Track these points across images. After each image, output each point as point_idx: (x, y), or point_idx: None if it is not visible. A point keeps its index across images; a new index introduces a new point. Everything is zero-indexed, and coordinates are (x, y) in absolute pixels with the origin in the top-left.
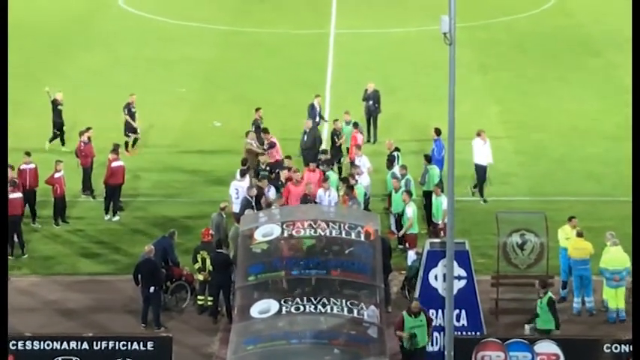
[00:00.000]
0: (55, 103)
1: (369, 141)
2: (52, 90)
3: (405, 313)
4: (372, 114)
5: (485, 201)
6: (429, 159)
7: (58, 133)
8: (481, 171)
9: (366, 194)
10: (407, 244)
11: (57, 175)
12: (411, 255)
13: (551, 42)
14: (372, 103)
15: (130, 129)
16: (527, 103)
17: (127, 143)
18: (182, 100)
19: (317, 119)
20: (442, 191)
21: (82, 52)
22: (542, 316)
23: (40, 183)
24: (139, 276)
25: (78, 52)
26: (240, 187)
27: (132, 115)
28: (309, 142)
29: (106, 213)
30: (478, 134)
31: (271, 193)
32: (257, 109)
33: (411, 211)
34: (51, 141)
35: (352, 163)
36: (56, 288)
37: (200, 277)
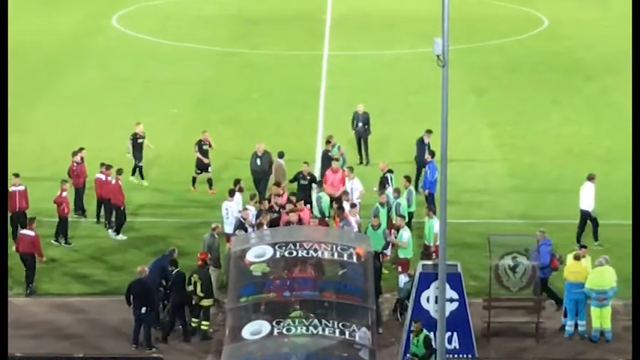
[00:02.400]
0: (135, 136)
1: (360, 163)
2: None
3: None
4: (362, 136)
5: (600, 245)
6: (409, 180)
7: (139, 164)
8: (586, 217)
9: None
10: (399, 268)
11: (64, 194)
12: (403, 278)
13: (544, 65)
14: (362, 125)
15: (200, 166)
16: (521, 126)
17: (198, 180)
18: (174, 120)
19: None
20: (434, 213)
21: (76, 72)
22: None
23: (29, 204)
24: (131, 296)
25: (72, 72)
26: (229, 207)
27: (203, 152)
28: (263, 166)
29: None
30: (590, 178)
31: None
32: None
33: (407, 235)
34: (133, 173)
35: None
36: (47, 308)
37: (193, 300)
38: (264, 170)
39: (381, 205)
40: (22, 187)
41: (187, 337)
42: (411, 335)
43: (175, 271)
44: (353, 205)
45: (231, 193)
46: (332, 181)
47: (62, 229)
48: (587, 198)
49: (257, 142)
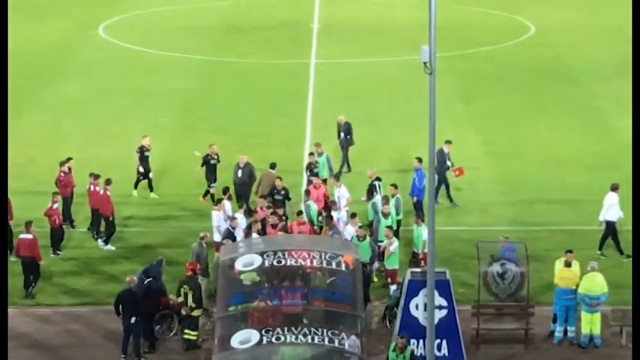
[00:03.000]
0: (142, 150)
1: (347, 172)
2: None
3: (391, 346)
4: (343, 146)
5: (628, 256)
6: (396, 187)
7: (142, 178)
8: (612, 227)
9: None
10: (389, 280)
11: (55, 206)
12: (392, 287)
13: (531, 72)
14: (344, 136)
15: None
16: (508, 133)
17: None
18: (161, 129)
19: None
20: (422, 221)
21: (62, 81)
22: None
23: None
24: (120, 306)
25: (58, 81)
26: (215, 216)
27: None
28: (244, 178)
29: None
30: (613, 189)
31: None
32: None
33: (394, 246)
34: (136, 187)
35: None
36: (36, 319)
37: (183, 311)
38: (245, 182)
39: (384, 215)
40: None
41: (154, 348)
42: (394, 353)
43: (148, 280)
44: (353, 215)
45: (219, 201)
46: (316, 197)
47: (55, 240)
48: (611, 208)
49: (244, 151)
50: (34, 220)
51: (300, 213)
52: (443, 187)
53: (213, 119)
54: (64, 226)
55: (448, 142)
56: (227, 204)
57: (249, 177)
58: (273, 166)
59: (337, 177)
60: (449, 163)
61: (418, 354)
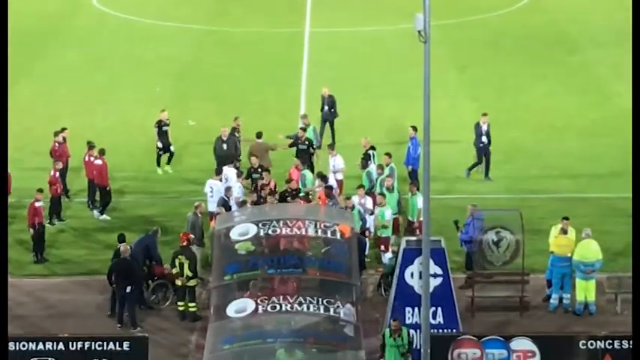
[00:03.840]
0: (160, 124)
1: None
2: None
3: (386, 332)
4: (327, 119)
5: None
6: (391, 156)
7: (162, 153)
8: None
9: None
10: (382, 248)
11: (57, 174)
12: (387, 256)
13: (526, 39)
14: (328, 109)
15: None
16: (504, 101)
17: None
18: (156, 98)
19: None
20: (417, 189)
21: (56, 51)
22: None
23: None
24: (114, 276)
25: (52, 51)
26: (214, 185)
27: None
28: (230, 150)
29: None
30: None
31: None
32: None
33: (389, 214)
34: (159, 164)
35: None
36: (31, 289)
37: (178, 282)
38: (231, 154)
39: (388, 189)
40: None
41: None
42: (391, 336)
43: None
44: (360, 187)
45: (218, 172)
46: (297, 178)
47: (55, 209)
48: None
49: (237, 119)
50: (28, 189)
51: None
52: (477, 162)
53: (207, 88)
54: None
55: (485, 114)
56: (231, 172)
57: (234, 149)
58: (259, 135)
59: (332, 146)
60: (485, 139)
61: (413, 322)
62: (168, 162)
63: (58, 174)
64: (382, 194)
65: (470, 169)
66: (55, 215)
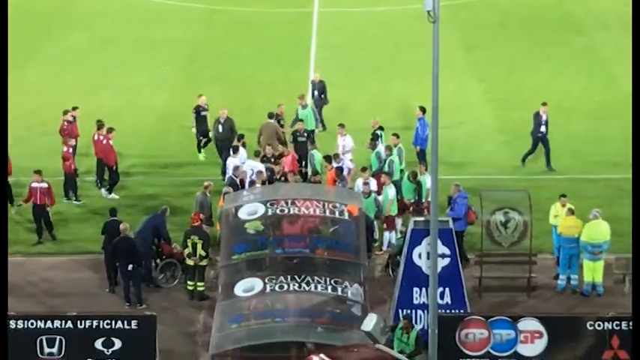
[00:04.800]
0: (198, 110)
1: (321, 130)
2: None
3: (399, 324)
4: (317, 105)
5: None
6: (398, 137)
7: (202, 138)
8: None
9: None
10: (385, 226)
11: (70, 150)
12: (391, 236)
13: (534, 20)
14: (318, 94)
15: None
16: (511, 82)
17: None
18: (164, 79)
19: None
20: (426, 170)
21: (64, 32)
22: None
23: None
24: (117, 254)
25: (60, 32)
26: (232, 164)
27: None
28: (225, 133)
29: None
30: None
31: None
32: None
33: (392, 193)
34: (200, 150)
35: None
36: (40, 267)
37: (190, 262)
38: (227, 137)
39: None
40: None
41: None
42: (400, 332)
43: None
44: (364, 169)
45: (235, 150)
46: (288, 162)
47: (70, 186)
48: None
49: (247, 100)
50: (35, 169)
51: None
52: (530, 151)
53: (214, 69)
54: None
55: (544, 104)
56: (242, 151)
57: (230, 131)
58: (270, 115)
59: (342, 125)
60: (543, 128)
61: (421, 302)
62: (204, 146)
63: (71, 150)
64: (388, 173)
65: (524, 158)
66: (71, 192)
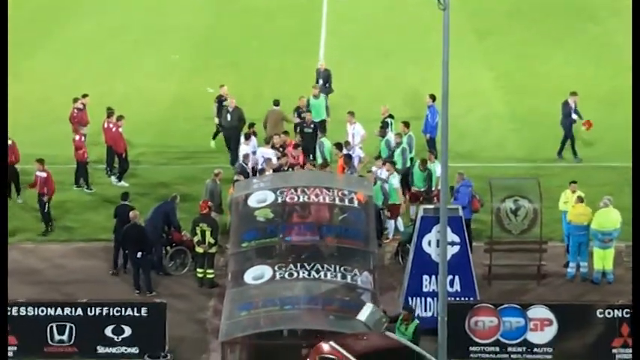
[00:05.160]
0: (220, 99)
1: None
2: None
3: (401, 316)
4: (322, 93)
5: None
6: (408, 125)
7: (221, 129)
8: None
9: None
10: (390, 215)
11: (82, 139)
12: (398, 224)
13: (546, 7)
14: (323, 83)
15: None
16: (522, 69)
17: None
18: (174, 66)
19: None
20: (435, 157)
21: (75, 19)
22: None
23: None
24: (126, 242)
25: (71, 19)
26: (244, 151)
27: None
28: (233, 122)
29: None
30: None
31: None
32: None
33: (396, 181)
34: (214, 138)
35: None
36: (51, 254)
37: (199, 249)
38: (234, 126)
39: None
40: (9, 142)
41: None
42: (400, 323)
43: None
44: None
45: (247, 137)
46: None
47: (81, 174)
48: None
49: (257, 88)
50: (47, 156)
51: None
52: (568, 141)
53: (225, 56)
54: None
55: (574, 93)
56: (253, 139)
57: (238, 120)
58: (277, 103)
59: (352, 113)
60: (574, 116)
61: (430, 290)
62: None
63: (83, 138)
64: (392, 162)
65: (560, 151)
66: (82, 180)
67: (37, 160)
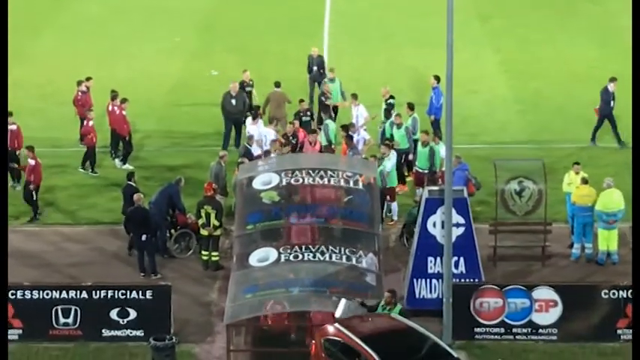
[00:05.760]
0: (243, 85)
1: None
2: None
3: (380, 305)
4: (316, 80)
5: None
6: (412, 107)
7: (249, 114)
8: None
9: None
10: (387, 197)
11: (90, 123)
12: (393, 207)
13: None
14: (317, 69)
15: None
16: (526, 51)
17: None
18: (178, 49)
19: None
20: (440, 139)
21: (78, 1)
22: None
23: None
24: (130, 225)
25: (74, 1)
26: (252, 131)
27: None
28: (239, 106)
29: (113, 158)
30: None
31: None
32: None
33: (390, 165)
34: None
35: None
36: (56, 238)
37: (204, 232)
38: (240, 111)
39: (397, 126)
40: (14, 127)
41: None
42: (383, 307)
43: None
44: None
45: (255, 116)
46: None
47: (89, 158)
48: None
49: (261, 70)
50: (51, 139)
51: (314, 131)
52: (613, 127)
53: (228, 38)
54: (81, 145)
55: (613, 79)
56: (260, 121)
57: (243, 105)
58: (278, 84)
59: (355, 95)
60: (613, 103)
61: (435, 271)
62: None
63: (91, 123)
64: (387, 145)
65: (593, 136)
66: (89, 163)
67: (27, 147)
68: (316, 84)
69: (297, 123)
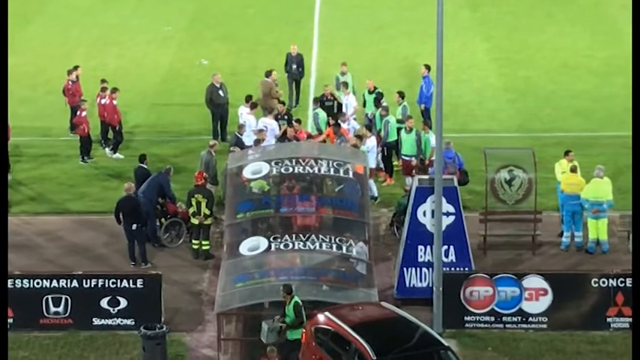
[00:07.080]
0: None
1: (294, 106)
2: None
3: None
4: (295, 78)
5: None
6: (403, 96)
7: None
8: None
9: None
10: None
11: (83, 114)
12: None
13: None
14: (296, 67)
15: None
16: (516, 40)
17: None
18: (168, 38)
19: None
20: (430, 128)
21: None
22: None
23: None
24: (121, 214)
25: None
26: (247, 120)
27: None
28: (225, 96)
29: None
30: None
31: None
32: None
33: (371, 144)
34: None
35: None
36: (46, 227)
37: (195, 221)
38: (227, 101)
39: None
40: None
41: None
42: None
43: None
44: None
45: (253, 106)
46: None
47: (84, 148)
48: None
49: (251, 59)
50: (42, 128)
51: (298, 121)
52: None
53: (219, 27)
54: (72, 135)
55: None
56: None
57: (227, 97)
58: (268, 74)
59: (345, 84)
60: None
61: (425, 260)
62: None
63: (84, 113)
64: (369, 127)
65: None
66: (85, 154)
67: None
68: (294, 82)
69: (297, 125)
